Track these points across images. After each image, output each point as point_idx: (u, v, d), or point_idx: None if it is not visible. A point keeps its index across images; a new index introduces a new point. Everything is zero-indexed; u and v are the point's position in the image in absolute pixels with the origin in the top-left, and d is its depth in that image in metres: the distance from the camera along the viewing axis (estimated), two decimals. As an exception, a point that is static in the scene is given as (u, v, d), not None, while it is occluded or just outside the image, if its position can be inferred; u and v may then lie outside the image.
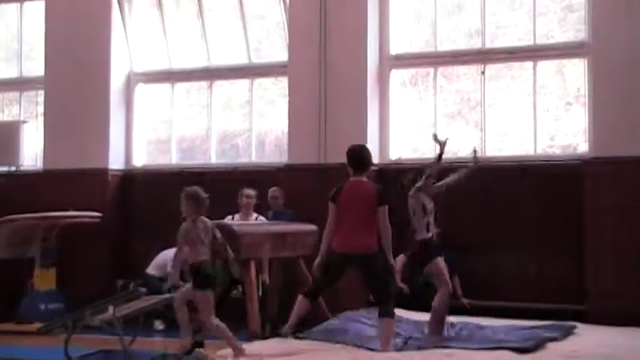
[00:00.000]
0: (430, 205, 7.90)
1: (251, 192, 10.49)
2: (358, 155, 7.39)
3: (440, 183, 8.00)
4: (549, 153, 11.26)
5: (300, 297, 7.25)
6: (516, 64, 11.51)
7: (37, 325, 10.73)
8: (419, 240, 7.84)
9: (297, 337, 7.27)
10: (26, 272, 12.03)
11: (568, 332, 7.88)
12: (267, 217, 10.52)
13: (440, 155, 7.88)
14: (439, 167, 7.84)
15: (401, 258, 10.70)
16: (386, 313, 7.00)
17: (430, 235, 7.84)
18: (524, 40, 11.34)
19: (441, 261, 7.81)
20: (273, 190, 10.87)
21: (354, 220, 7.12)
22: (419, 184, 7.75)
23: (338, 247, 7.16)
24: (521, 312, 9.74)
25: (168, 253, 11.83)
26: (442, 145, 7.91)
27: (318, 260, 7.33)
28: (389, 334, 6.98)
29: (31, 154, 13.34)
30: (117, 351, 9.10)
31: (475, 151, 8.41)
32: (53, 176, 12.62)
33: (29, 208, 11.88)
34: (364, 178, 7.32)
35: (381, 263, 7.15)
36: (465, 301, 10.44)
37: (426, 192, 7.80)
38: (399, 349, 7.04)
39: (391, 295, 7.14)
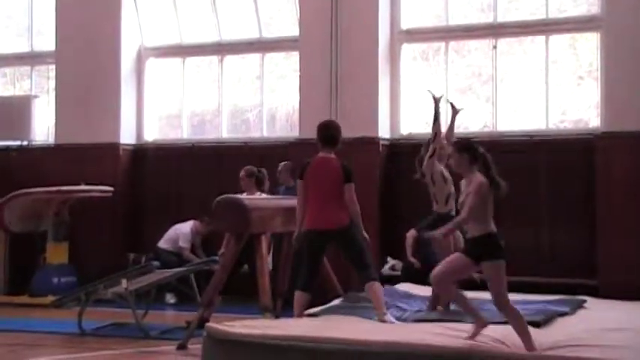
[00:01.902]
0: (448, 175, 7.65)
1: (241, 172, 10.26)
2: (326, 131, 7.39)
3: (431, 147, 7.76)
4: (561, 128, 11.24)
5: (296, 293, 7.26)
6: (528, 39, 11.46)
7: (50, 298, 10.84)
8: (436, 212, 7.72)
9: (309, 315, 7.28)
10: (39, 246, 12.11)
11: (578, 307, 7.88)
12: (278, 192, 10.52)
13: (436, 114, 7.76)
14: (437, 128, 7.74)
15: (412, 232, 10.70)
16: (370, 278, 7.02)
17: (449, 209, 7.63)
18: (537, 14, 11.28)
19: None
20: (283, 165, 10.87)
21: (323, 196, 7.14)
22: (429, 152, 7.65)
23: (310, 224, 7.18)
24: (532, 287, 9.73)
25: (180, 227, 11.93)
26: (436, 101, 7.82)
27: (295, 235, 7.39)
28: (379, 296, 7.01)
29: (43, 128, 13.37)
30: (129, 324, 9.18)
31: (450, 103, 8.34)
32: (65, 151, 12.66)
33: (41, 183, 11.93)
34: (332, 155, 7.30)
35: (355, 234, 7.17)
36: (476, 275, 10.44)
37: (438, 158, 7.67)
38: (402, 320, 7.03)
39: (370, 262, 7.14)
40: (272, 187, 10.51)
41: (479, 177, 5.88)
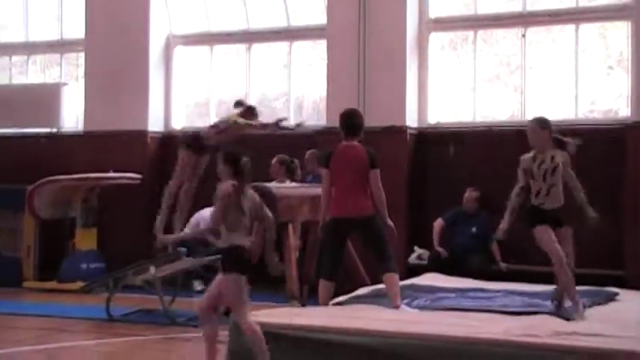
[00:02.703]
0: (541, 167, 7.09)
1: (274, 159, 10.37)
2: (349, 119, 7.34)
3: None
4: (590, 117, 11.15)
5: (320, 282, 7.26)
6: (557, 27, 11.37)
7: (79, 284, 10.96)
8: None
9: (336, 304, 7.27)
10: (68, 232, 12.22)
11: (610, 298, 7.79)
12: (305, 181, 10.53)
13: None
14: None
15: (439, 222, 10.72)
16: (389, 269, 6.99)
17: (540, 201, 6.99)
18: (566, 3, 11.19)
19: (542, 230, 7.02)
20: (310, 153, 10.88)
21: (347, 184, 7.09)
22: None
23: (334, 212, 7.15)
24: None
25: (201, 213, 11.96)
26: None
27: (321, 224, 7.36)
28: (395, 288, 6.99)
29: (72, 116, 13.46)
30: (157, 310, 9.25)
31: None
32: (93, 138, 12.75)
33: (70, 170, 12.03)
34: (355, 142, 7.26)
35: (378, 224, 7.12)
36: (503, 265, 10.44)
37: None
38: (422, 308, 7.01)
39: (390, 254, 7.09)
40: (293, 177, 10.53)
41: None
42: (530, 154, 7.07)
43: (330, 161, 7.22)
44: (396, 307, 6.89)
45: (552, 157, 6.96)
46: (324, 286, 7.17)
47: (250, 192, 6.04)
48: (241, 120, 8.97)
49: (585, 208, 7.01)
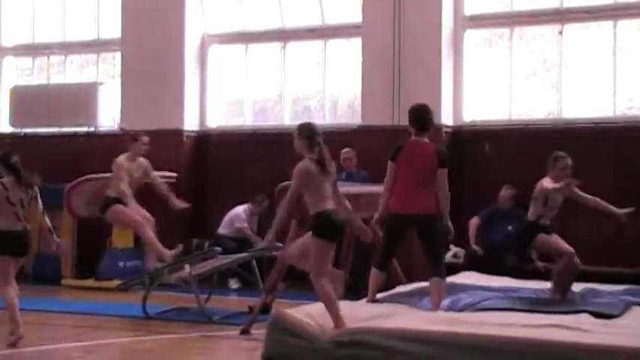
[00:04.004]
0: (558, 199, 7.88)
1: (348, 151, 10.41)
2: (420, 115, 7.21)
3: None
4: (628, 115, 11.02)
5: (372, 270, 7.25)
6: (595, 24, 11.25)
7: (116, 282, 11.04)
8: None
9: (373, 301, 7.26)
10: (105, 230, 12.32)
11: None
12: (340, 179, 10.53)
13: None
14: None
15: (474, 220, 10.65)
16: (437, 273, 6.95)
17: (544, 222, 7.87)
18: (604, -1, 11.07)
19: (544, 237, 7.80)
20: (345, 152, 10.87)
21: (413, 180, 7.01)
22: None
23: (395, 207, 7.08)
24: (598, 276, 9.58)
25: (234, 210, 12.02)
26: None
27: (376, 216, 7.30)
28: (439, 294, 6.94)
29: (108, 115, 13.58)
30: (193, 308, 9.30)
31: None
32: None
33: (107, 168, 12.06)
34: (425, 139, 7.17)
35: (437, 224, 7.05)
36: (539, 264, 10.34)
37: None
38: (459, 310, 6.97)
39: (443, 258, 7.09)
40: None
41: None
42: (558, 185, 7.50)
43: (398, 155, 7.11)
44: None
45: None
46: (374, 274, 7.17)
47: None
48: None
49: (612, 212, 7.51)
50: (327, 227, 6.20)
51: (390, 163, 7.18)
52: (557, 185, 7.47)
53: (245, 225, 11.89)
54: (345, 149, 10.88)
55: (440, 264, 7.00)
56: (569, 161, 7.71)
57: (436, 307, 6.88)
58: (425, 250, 7.11)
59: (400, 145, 7.19)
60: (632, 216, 10.42)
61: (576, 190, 7.68)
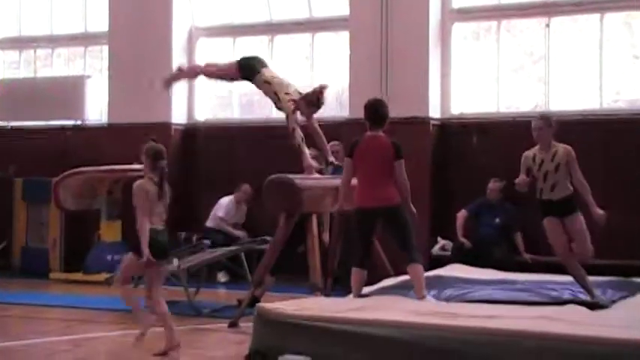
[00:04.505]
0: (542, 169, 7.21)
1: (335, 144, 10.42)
2: (374, 110, 7.33)
3: None
4: (615, 107, 11.07)
5: (352, 270, 7.28)
6: (582, 17, 11.28)
7: (104, 275, 11.02)
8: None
9: (361, 296, 7.28)
10: (93, 224, 12.31)
11: (638, 289, 7.72)
12: (328, 172, 10.53)
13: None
14: None
15: (462, 213, 10.69)
16: (413, 259, 7.01)
17: (545, 197, 7.17)
18: (591, -8, 11.11)
19: (547, 222, 7.20)
20: (332, 145, 10.87)
21: (372, 174, 7.12)
22: None
23: (359, 202, 7.18)
24: (587, 268, 9.64)
25: (221, 202, 12.00)
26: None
27: (336, 208, 7.55)
28: (420, 279, 7.00)
29: (96, 108, 13.54)
30: (181, 302, 9.29)
31: None
32: (117, 130, 12.81)
33: (95, 162, 12.10)
34: (380, 133, 7.25)
35: (404, 214, 7.15)
36: (527, 256, 10.39)
37: None
38: (449, 300, 7.00)
39: (414, 244, 7.11)
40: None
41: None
42: (531, 153, 7.13)
43: (354, 151, 7.22)
44: (422, 298, 6.90)
45: (554, 156, 6.95)
46: (356, 274, 7.19)
47: None
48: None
49: (591, 209, 6.99)
50: (151, 246, 6.94)
51: (346, 159, 7.33)
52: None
53: (221, 215, 11.87)
54: (332, 142, 10.87)
55: (413, 250, 7.05)
56: (535, 123, 7.29)
57: (420, 292, 6.92)
58: (395, 240, 7.19)
59: (356, 140, 7.28)
60: (620, 208, 10.53)
61: (572, 163, 7.16)
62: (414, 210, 7.25)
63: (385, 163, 7.13)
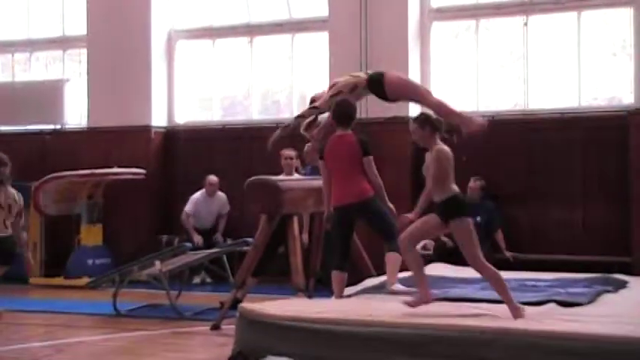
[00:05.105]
0: None
1: (291, 152, 10.38)
2: (339, 110, 7.38)
3: None
4: (594, 105, 11.13)
5: (332, 273, 7.28)
6: (560, 15, 11.33)
7: (85, 279, 10.98)
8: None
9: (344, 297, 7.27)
10: (73, 228, 12.27)
11: (620, 286, 7.74)
12: (305, 173, 10.53)
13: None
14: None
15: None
16: (391, 248, 7.03)
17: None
18: (569, -10, 11.16)
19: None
20: (308, 146, 10.86)
21: (343, 173, 7.20)
22: None
23: (335, 202, 7.25)
24: (566, 264, 9.70)
25: (190, 197, 11.96)
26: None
27: (325, 214, 7.48)
28: (394, 266, 7.03)
29: (75, 112, 13.48)
30: (163, 305, 9.27)
31: None
32: (97, 134, 12.76)
33: (75, 166, 12.05)
34: (348, 132, 7.30)
35: (379, 205, 7.22)
36: (508, 254, 10.43)
37: None
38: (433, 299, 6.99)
39: (395, 234, 6.93)
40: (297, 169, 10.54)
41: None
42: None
43: (324, 153, 7.33)
44: (391, 283, 6.97)
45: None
46: (336, 277, 7.20)
47: None
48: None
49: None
50: None
51: (320, 162, 7.41)
52: None
53: (187, 209, 11.85)
54: (308, 144, 10.86)
55: (392, 239, 6.99)
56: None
57: (391, 277, 6.97)
58: (376, 231, 7.26)
59: (325, 142, 7.34)
60: (599, 205, 10.61)
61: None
62: (390, 205, 7.31)
63: (354, 161, 7.21)
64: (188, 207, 11.89)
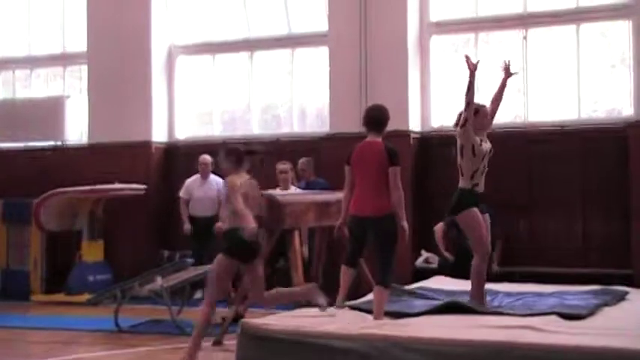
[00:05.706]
0: (483, 147, 7.28)
1: (284, 166, 10.30)
2: (371, 114, 7.11)
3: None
4: (593, 117, 11.15)
5: (342, 268, 7.22)
6: (559, 28, 11.36)
7: (87, 296, 10.96)
8: (459, 187, 7.35)
9: (351, 308, 7.24)
10: (74, 244, 12.26)
11: (620, 298, 7.73)
12: (300, 187, 10.54)
13: (470, 83, 7.33)
14: (470, 97, 7.43)
15: (439, 226, 10.62)
16: (381, 282, 6.79)
17: (474, 184, 7.25)
18: (567, 3, 11.20)
19: (476, 212, 7.22)
20: (301, 162, 10.90)
21: (366, 181, 6.88)
22: (460, 121, 7.27)
23: (352, 210, 6.97)
24: (566, 277, 9.69)
25: (185, 182, 11.81)
26: (472, 69, 7.39)
27: (339, 222, 7.22)
28: (380, 304, 6.77)
29: (76, 128, 13.50)
30: (165, 320, 9.25)
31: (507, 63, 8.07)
32: (98, 150, 12.78)
33: (76, 182, 12.06)
34: (378, 139, 7.00)
35: (392, 229, 6.83)
36: (494, 267, 10.20)
37: (475, 125, 7.23)
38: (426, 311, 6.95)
39: (391, 265, 6.82)
40: (293, 183, 10.55)
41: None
42: None
43: (351, 158, 7.02)
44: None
45: None
46: (345, 272, 7.05)
47: None
48: None
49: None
50: None
51: (345, 167, 7.08)
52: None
53: (181, 194, 11.64)
54: (301, 160, 10.90)
55: (385, 272, 6.81)
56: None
57: (378, 315, 6.73)
58: (375, 255, 6.96)
59: (353, 147, 7.13)
60: (599, 218, 10.61)
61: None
62: (404, 224, 6.84)
63: (379, 170, 6.86)
64: (182, 192, 11.63)
